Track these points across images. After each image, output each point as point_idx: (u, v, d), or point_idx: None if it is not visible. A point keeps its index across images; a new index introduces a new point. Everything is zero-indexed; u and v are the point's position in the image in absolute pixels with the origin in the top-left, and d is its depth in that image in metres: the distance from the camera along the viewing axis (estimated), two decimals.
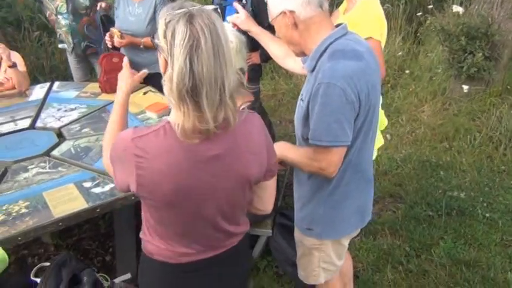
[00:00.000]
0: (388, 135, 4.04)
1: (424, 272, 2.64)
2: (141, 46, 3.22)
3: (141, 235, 1.37)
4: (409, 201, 3.24)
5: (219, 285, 1.41)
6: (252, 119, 1.27)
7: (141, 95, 3.12)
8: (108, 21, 3.48)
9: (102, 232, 2.99)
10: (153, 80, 3.24)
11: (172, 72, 1.07)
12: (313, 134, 1.52)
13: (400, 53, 5.23)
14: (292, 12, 1.49)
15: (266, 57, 3.35)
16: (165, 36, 1.08)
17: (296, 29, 1.53)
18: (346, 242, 1.91)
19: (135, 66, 3.25)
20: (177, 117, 1.12)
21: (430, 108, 4.51)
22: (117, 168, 1.23)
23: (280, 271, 2.59)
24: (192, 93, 1.07)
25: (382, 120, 2.65)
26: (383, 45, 2.44)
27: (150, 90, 3.16)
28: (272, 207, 1.48)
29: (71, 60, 3.87)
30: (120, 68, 3.13)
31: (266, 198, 1.43)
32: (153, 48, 2.98)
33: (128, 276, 1.80)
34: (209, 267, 1.35)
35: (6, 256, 1.53)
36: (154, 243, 1.31)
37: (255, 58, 3.27)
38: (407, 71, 5.04)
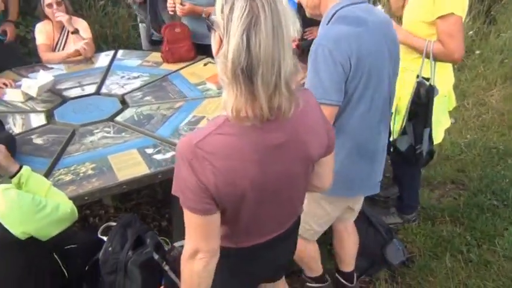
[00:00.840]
0: (452, 119, 3.84)
1: (486, 262, 2.51)
2: (203, 15, 3.20)
3: None
4: (473, 189, 3.08)
5: (274, 262, 1.42)
6: (306, 98, 1.20)
7: (202, 66, 3.14)
8: None
9: (158, 198, 3.07)
10: (211, 51, 3.27)
11: (228, 49, 1.00)
12: None
13: (470, 33, 4.92)
14: None
15: None
16: (222, 11, 1.02)
17: None
18: (327, 207, 1.89)
19: (197, 36, 3.29)
20: (229, 99, 1.05)
21: (500, 92, 4.24)
22: (187, 188, 1.11)
23: None
24: (247, 72, 1.00)
25: (451, 100, 2.51)
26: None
27: (210, 62, 3.16)
28: (330, 184, 1.44)
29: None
30: (182, 39, 3.18)
31: (324, 175, 1.39)
32: None
33: (183, 242, 1.83)
34: (270, 247, 1.35)
35: (76, 210, 1.60)
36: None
37: (316, 33, 3.18)
38: (477, 52, 4.74)
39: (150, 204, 3.03)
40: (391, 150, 2.41)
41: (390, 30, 1.66)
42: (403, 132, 2.33)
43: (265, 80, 1.00)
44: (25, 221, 1.43)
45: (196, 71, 3.05)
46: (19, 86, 2.77)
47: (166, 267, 1.52)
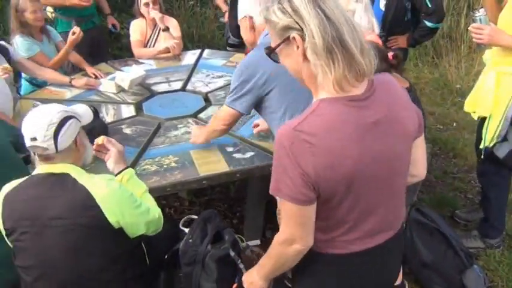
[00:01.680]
0: None
1: None
2: None
3: None
4: None
5: (382, 274, 1.36)
6: (386, 78, 1.23)
7: None
8: None
9: (231, 196, 3.13)
10: None
11: (312, 32, 1.05)
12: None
13: None
14: None
15: (415, 42, 3.14)
16: (284, 12, 1.08)
17: None
18: None
19: None
20: (326, 76, 1.08)
21: None
22: (286, 176, 1.11)
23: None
24: (337, 38, 1.05)
25: None
26: None
27: None
28: (425, 171, 1.38)
29: None
30: None
31: (419, 160, 1.33)
32: None
33: (257, 242, 1.85)
34: (381, 253, 1.29)
35: (162, 218, 1.66)
36: (318, 237, 1.24)
37: (402, 42, 3.08)
38: None
39: (222, 201, 3.10)
40: (481, 160, 2.27)
41: None
42: (504, 139, 2.21)
43: (351, 36, 1.07)
44: (121, 213, 1.51)
45: None
46: (112, 79, 2.96)
47: (241, 265, 1.54)
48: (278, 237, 1.20)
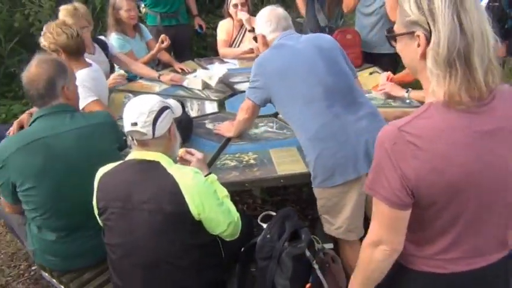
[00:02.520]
0: None
1: None
2: None
3: None
4: None
5: None
6: (510, 89, 1.13)
7: (367, 74, 3.11)
8: None
9: (304, 198, 3.14)
10: (381, 61, 3.21)
11: (440, 37, 0.99)
12: None
13: None
14: None
15: None
16: (419, 7, 1.02)
17: None
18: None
19: (368, 45, 3.30)
20: (440, 87, 1.03)
21: None
22: (383, 176, 1.08)
23: None
24: (463, 53, 0.99)
25: None
26: None
27: (376, 71, 3.12)
28: None
29: None
30: (352, 45, 3.20)
31: None
32: None
33: (330, 245, 1.85)
34: (482, 277, 1.18)
35: (240, 224, 1.70)
36: (413, 252, 1.18)
37: (500, 51, 2.90)
38: None
39: (295, 203, 3.11)
40: None
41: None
42: None
43: (480, 54, 1.00)
44: (203, 206, 1.57)
45: (361, 79, 3.02)
46: (195, 76, 3.09)
47: (316, 266, 1.55)
48: (366, 239, 1.17)
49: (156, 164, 1.61)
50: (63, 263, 2.01)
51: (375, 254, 1.15)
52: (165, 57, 3.48)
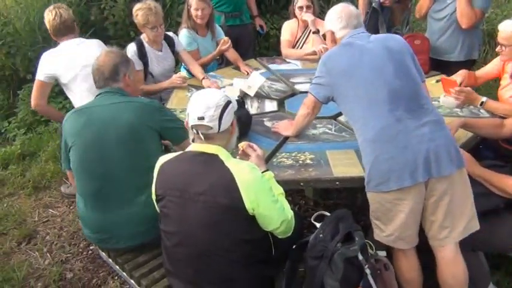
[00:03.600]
0: None
1: None
2: None
3: None
4: None
5: None
6: None
7: (434, 82, 2.99)
8: None
9: (357, 204, 3.08)
10: (449, 69, 3.09)
11: None
12: None
13: None
14: None
15: None
16: None
17: None
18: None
19: (437, 52, 3.18)
20: None
21: None
22: None
23: None
24: None
25: None
26: None
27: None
28: None
29: None
30: (420, 51, 3.10)
31: None
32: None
33: (383, 253, 1.80)
34: None
35: (293, 224, 1.70)
36: None
37: None
38: None
39: (347, 207, 3.04)
40: None
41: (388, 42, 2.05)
42: None
43: None
44: (257, 201, 1.58)
45: (427, 86, 2.92)
46: (231, 85, 3.07)
47: (368, 271, 1.51)
48: None
49: (214, 157, 1.65)
50: (104, 239, 2.13)
51: None
52: (233, 56, 3.50)
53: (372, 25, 3.83)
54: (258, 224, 1.65)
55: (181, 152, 1.74)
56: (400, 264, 1.96)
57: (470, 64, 3.31)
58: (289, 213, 1.69)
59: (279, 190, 1.80)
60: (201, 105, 1.63)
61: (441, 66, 3.21)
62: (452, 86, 2.59)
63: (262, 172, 1.78)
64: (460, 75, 2.73)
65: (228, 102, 1.66)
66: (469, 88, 2.53)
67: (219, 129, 1.63)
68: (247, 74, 3.29)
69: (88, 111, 2.11)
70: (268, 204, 1.61)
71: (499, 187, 2.00)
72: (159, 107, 2.23)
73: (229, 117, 1.66)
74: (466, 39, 3.17)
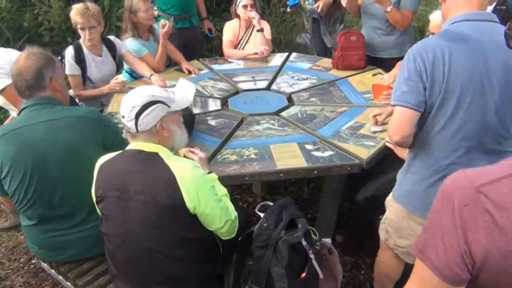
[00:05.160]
0: None
1: None
2: None
3: None
4: None
5: None
6: None
7: (370, 76, 3.12)
8: None
9: (304, 197, 3.14)
10: (385, 64, 3.22)
11: None
12: None
13: None
14: None
15: None
16: None
17: (444, 3, 1.65)
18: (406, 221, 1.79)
19: (371, 49, 3.30)
20: None
21: None
22: (440, 241, 0.84)
23: None
24: None
25: None
26: None
27: (380, 73, 3.14)
28: None
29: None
30: (355, 47, 3.21)
31: None
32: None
33: (328, 240, 1.84)
34: None
35: (237, 224, 1.70)
36: None
37: None
38: None
39: (295, 201, 3.09)
40: None
41: (500, 54, 1.49)
42: None
43: None
44: (198, 200, 1.55)
45: (364, 80, 3.04)
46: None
47: (312, 256, 1.54)
48: None
49: (154, 155, 1.61)
50: (51, 255, 2.03)
51: None
52: (177, 56, 3.45)
53: (318, 38, 3.96)
54: (200, 222, 1.62)
55: (121, 151, 1.70)
56: (386, 262, 2.03)
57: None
58: (233, 214, 1.68)
59: (223, 191, 1.78)
60: (124, 104, 1.61)
61: (376, 62, 3.33)
62: (383, 91, 2.73)
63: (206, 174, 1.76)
64: (392, 76, 2.84)
65: (150, 103, 1.58)
66: None
67: (136, 129, 1.59)
68: (188, 73, 3.28)
69: (16, 134, 1.88)
70: (210, 203, 1.58)
71: None
72: (98, 118, 2.03)
73: (150, 117, 1.59)
74: (399, 38, 3.30)
